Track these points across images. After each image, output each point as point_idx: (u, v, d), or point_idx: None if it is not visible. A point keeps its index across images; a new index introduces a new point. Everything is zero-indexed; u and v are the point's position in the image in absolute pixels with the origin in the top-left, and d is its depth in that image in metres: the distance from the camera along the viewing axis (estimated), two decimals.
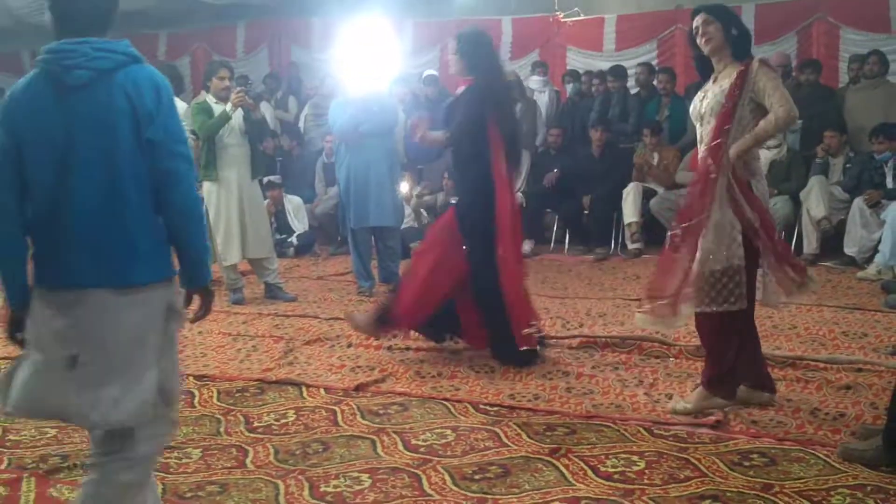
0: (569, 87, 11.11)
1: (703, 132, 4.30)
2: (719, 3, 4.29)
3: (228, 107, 6.99)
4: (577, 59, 12.19)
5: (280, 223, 9.96)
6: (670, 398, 4.49)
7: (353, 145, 7.49)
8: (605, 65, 11.23)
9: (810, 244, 8.62)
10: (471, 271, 5.27)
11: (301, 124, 11.95)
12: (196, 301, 2.82)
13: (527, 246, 9.71)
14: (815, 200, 8.52)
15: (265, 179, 9.44)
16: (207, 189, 7.11)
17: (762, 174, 4.32)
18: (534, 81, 11.46)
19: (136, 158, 2.57)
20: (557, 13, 12.15)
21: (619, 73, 10.58)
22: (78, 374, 2.54)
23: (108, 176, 2.56)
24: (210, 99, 7.19)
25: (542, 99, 11.31)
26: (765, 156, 9.13)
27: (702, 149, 4.32)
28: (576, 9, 12.05)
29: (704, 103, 4.27)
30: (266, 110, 11.64)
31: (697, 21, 4.23)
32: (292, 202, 10.19)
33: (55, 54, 2.60)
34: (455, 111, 5.41)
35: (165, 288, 2.69)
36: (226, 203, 7.13)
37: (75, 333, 2.56)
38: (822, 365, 4.96)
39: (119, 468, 2.64)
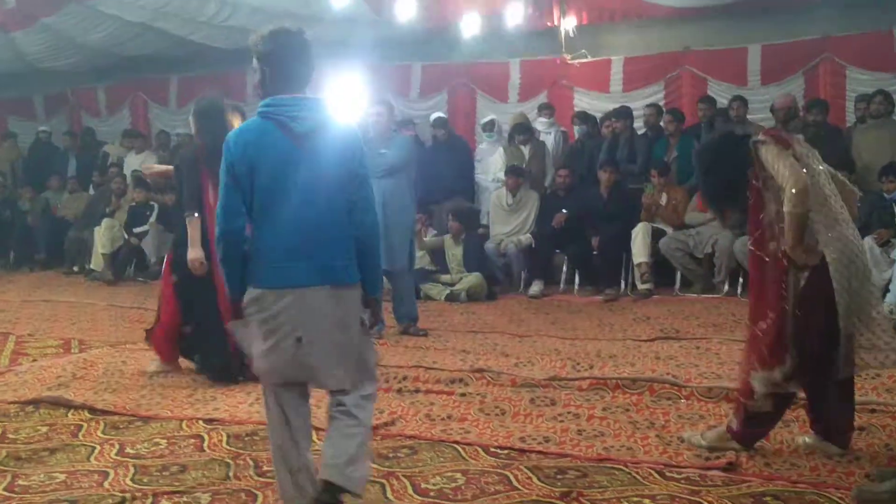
0: (577, 130, 11.15)
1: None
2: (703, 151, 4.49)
3: None
4: (585, 101, 12.24)
5: None
6: (682, 441, 4.46)
7: None
8: (612, 106, 11.28)
9: None
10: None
11: None
12: (371, 308, 3.54)
13: (536, 287, 9.73)
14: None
15: None
16: None
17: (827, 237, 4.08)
18: (540, 123, 11.54)
19: (344, 188, 3.36)
20: (565, 55, 12.23)
21: (624, 113, 10.63)
22: (303, 350, 3.33)
23: (328, 201, 3.34)
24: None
25: (549, 140, 11.37)
26: None
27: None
28: (583, 51, 12.13)
29: None
30: None
31: None
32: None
33: (279, 107, 3.36)
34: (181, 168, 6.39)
35: (359, 289, 3.45)
36: None
37: (300, 321, 3.32)
38: None
39: (343, 419, 3.47)
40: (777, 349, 4.09)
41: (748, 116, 10.18)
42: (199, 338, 6.13)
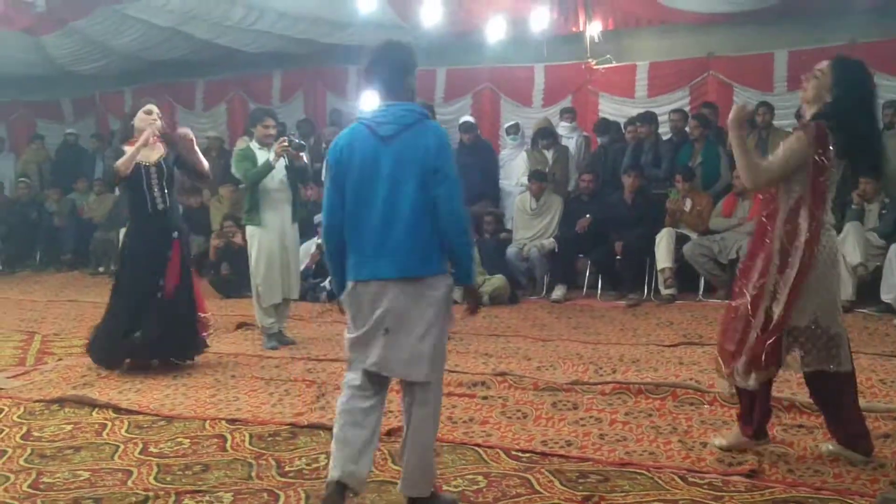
0: (600, 140, 11.17)
1: None
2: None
3: (271, 156, 7.16)
4: (610, 106, 12.23)
5: (319, 266, 10.00)
6: (705, 447, 4.44)
7: None
8: (636, 111, 11.26)
9: (846, 291, 8.50)
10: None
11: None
12: (466, 294, 3.86)
13: (559, 291, 9.71)
14: (852, 246, 8.44)
15: (316, 219, 9.59)
16: (250, 233, 7.36)
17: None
18: (562, 128, 11.54)
19: (426, 185, 3.56)
20: (590, 60, 12.22)
21: (649, 118, 10.61)
22: (389, 339, 3.59)
23: (409, 198, 3.57)
24: (254, 145, 7.39)
25: (571, 145, 11.37)
26: None
27: None
28: (608, 56, 12.11)
29: None
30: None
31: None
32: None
33: (372, 113, 3.73)
34: None
35: (442, 280, 3.65)
36: (268, 246, 7.29)
37: (386, 312, 3.58)
38: None
39: (416, 407, 3.68)
40: (775, 351, 4.11)
41: (774, 122, 10.13)
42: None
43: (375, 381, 3.73)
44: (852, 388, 4.26)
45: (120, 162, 6.30)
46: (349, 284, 3.70)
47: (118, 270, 6.82)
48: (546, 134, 11.06)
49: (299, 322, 8.40)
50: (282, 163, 7.24)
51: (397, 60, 3.76)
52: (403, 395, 3.77)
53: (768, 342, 4.10)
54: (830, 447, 4.29)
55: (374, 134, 3.66)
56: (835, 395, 4.20)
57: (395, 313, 3.60)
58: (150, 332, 6.38)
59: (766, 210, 4.25)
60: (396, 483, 4.00)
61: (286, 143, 7.20)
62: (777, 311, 4.09)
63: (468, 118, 11.70)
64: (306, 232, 9.55)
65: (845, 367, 4.14)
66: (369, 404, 3.71)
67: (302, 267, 8.85)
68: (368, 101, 10.90)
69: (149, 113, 6.54)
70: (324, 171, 11.66)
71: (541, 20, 11.42)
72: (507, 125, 11.94)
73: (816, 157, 4.05)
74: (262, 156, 7.25)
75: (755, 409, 4.38)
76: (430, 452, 3.73)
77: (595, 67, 12.26)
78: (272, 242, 7.29)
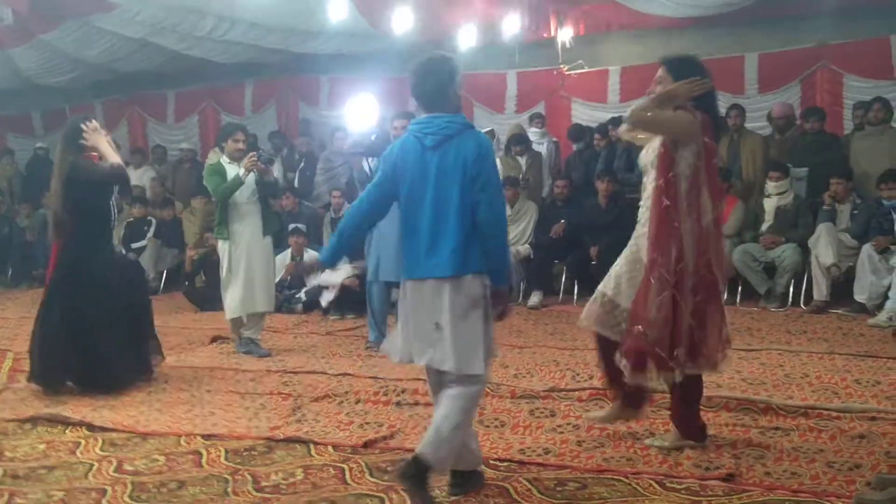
0: (575, 146, 11.21)
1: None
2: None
3: (241, 171, 7.18)
4: (583, 111, 12.27)
5: (294, 277, 9.96)
6: (681, 451, 4.44)
7: None
8: (610, 116, 11.31)
9: (820, 291, 8.58)
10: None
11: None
12: (497, 298, 3.91)
13: (535, 297, 9.71)
14: (824, 247, 8.50)
15: (291, 226, 9.57)
16: (220, 246, 7.41)
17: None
18: (532, 133, 11.56)
19: (467, 191, 3.81)
20: (562, 66, 12.26)
21: (620, 123, 10.64)
22: (440, 335, 3.82)
23: (452, 203, 3.83)
24: (224, 160, 7.43)
25: (542, 150, 11.39)
26: (772, 203, 9.16)
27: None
28: (580, 61, 12.16)
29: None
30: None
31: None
32: (311, 256, 10.20)
33: (417, 125, 4.00)
34: None
35: (480, 279, 3.86)
36: (236, 259, 7.33)
37: (437, 308, 3.83)
38: (835, 414, 4.93)
39: (455, 399, 3.88)
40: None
41: (745, 125, 10.19)
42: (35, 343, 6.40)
43: (435, 374, 4.02)
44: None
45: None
46: (404, 283, 3.99)
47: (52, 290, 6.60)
48: (519, 140, 11.07)
49: (275, 334, 8.35)
50: (252, 177, 7.28)
51: (441, 74, 3.97)
52: (442, 385, 3.97)
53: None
54: (665, 441, 4.57)
55: (420, 144, 3.92)
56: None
57: (445, 310, 3.83)
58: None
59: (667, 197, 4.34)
60: (375, 496, 3.99)
61: (255, 158, 7.24)
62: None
63: None
64: (280, 243, 9.49)
65: None
66: (435, 393, 4.05)
67: (277, 279, 8.80)
68: (346, 110, 10.96)
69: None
70: (317, 177, 11.73)
71: (512, 26, 11.44)
72: (482, 132, 11.93)
73: (707, 140, 4.32)
74: (232, 170, 7.26)
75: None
76: (456, 435, 3.87)
77: (567, 73, 12.30)
78: (240, 256, 7.32)
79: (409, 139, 3.99)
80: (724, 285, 4.75)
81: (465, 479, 4.05)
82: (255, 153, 7.32)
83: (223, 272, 7.42)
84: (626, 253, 4.62)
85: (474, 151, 3.86)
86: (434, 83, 3.96)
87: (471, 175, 3.83)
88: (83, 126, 6.27)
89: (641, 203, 4.55)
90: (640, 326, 4.28)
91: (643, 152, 4.57)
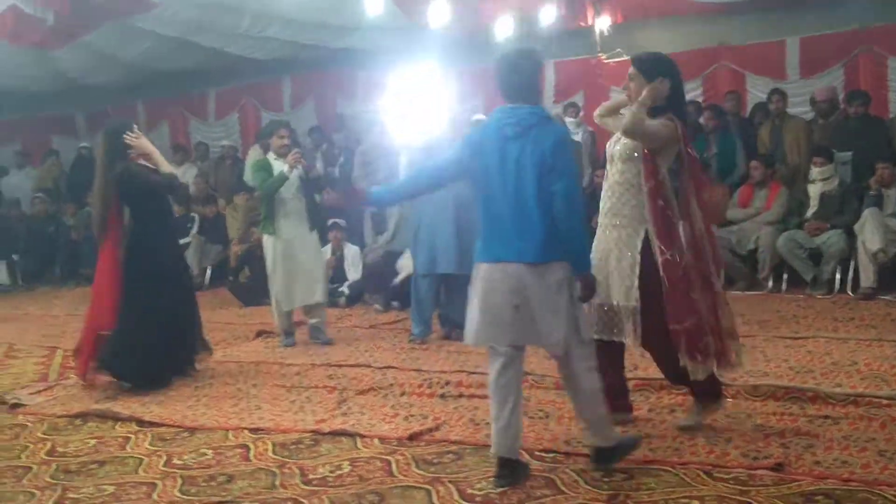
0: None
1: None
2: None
3: (286, 167, 7.29)
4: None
5: (336, 270, 10.01)
6: (729, 441, 4.41)
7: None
8: None
9: (867, 278, 8.46)
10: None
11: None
12: (581, 283, 4.02)
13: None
14: (871, 233, 8.38)
15: (329, 221, 9.68)
16: (266, 241, 7.56)
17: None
18: (568, 123, 11.46)
19: (543, 180, 3.92)
20: (600, 55, 12.18)
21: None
22: (520, 316, 3.95)
23: (528, 192, 3.95)
24: (270, 156, 7.56)
25: (577, 140, 11.32)
26: (816, 189, 9.05)
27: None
28: (618, 49, 12.05)
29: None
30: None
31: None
32: (350, 250, 10.26)
33: (496, 114, 4.13)
34: None
35: (559, 265, 3.98)
36: (282, 254, 7.45)
37: (516, 291, 3.95)
38: (885, 402, 4.86)
39: (570, 376, 4.12)
40: None
41: (787, 110, 10.07)
42: (122, 344, 6.27)
43: (509, 355, 4.06)
44: None
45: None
46: (479, 266, 4.10)
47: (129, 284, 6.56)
48: None
49: None
50: (296, 173, 7.39)
51: (524, 66, 4.10)
52: (559, 367, 4.20)
53: None
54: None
55: (500, 133, 4.04)
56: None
57: (524, 293, 3.96)
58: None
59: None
60: (421, 488, 4.00)
61: (299, 154, 7.40)
62: None
63: (481, 115, 11.67)
64: (322, 238, 9.53)
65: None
66: (505, 380, 4.05)
67: None
68: (381, 104, 10.95)
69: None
70: (354, 172, 11.75)
71: (549, 16, 11.39)
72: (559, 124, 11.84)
73: (689, 151, 4.54)
74: (278, 166, 7.39)
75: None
76: (601, 407, 4.13)
77: (605, 62, 12.21)
78: (286, 251, 7.44)
79: (490, 127, 4.13)
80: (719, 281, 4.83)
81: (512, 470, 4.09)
82: (298, 150, 7.44)
83: (269, 267, 7.54)
84: (598, 248, 4.61)
85: (552, 143, 3.97)
86: (519, 75, 4.08)
87: (548, 165, 3.93)
88: (128, 135, 6.35)
89: (603, 192, 4.69)
90: (686, 323, 4.35)
91: (610, 141, 4.71)
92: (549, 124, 4.08)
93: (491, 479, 4.06)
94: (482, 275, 4.08)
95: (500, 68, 4.13)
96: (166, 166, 6.49)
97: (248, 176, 12.88)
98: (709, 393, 4.65)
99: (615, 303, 4.52)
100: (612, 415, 4.38)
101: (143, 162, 6.41)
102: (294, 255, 7.45)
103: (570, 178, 4.02)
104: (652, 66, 4.58)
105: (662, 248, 4.39)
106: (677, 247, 4.42)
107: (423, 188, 4.68)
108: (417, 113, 8.07)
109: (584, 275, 4.05)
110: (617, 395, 4.66)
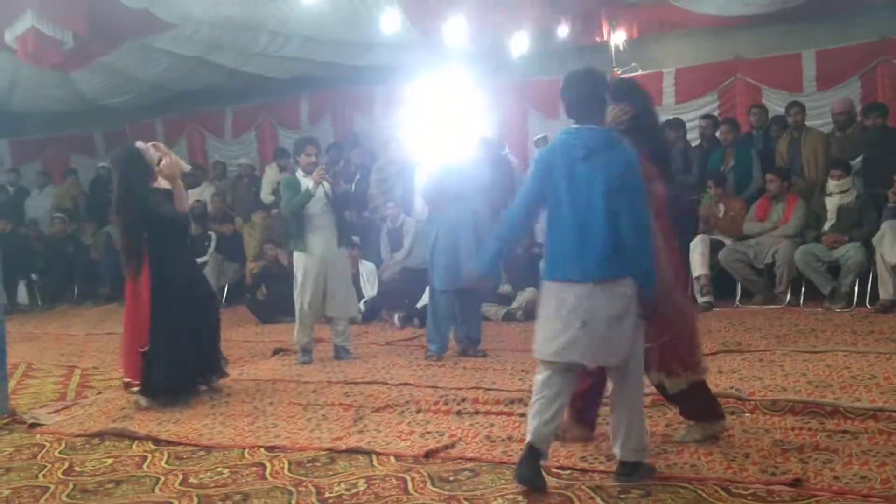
0: None
1: None
2: None
3: (310, 184, 7.42)
4: None
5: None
6: (747, 457, 4.38)
7: (440, 207, 7.58)
8: (665, 118, 11.19)
9: (886, 290, 8.41)
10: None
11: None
12: (642, 300, 4.11)
13: None
14: (889, 245, 8.33)
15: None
16: (296, 258, 7.68)
17: None
18: None
19: (611, 200, 4.03)
20: (615, 69, 12.18)
21: (675, 125, 10.54)
22: (587, 332, 4.05)
23: (596, 211, 4.05)
24: (299, 174, 7.69)
25: None
26: (833, 202, 9.00)
27: None
28: (633, 64, 12.06)
29: None
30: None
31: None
32: (366, 267, 10.30)
33: (565, 135, 4.23)
34: None
35: (627, 281, 4.07)
36: (312, 270, 7.58)
37: (585, 309, 4.05)
38: None
39: (622, 388, 4.24)
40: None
41: (806, 123, 10.04)
42: (154, 357, 6.36)
43: (565, 371, 4.18)
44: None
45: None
46: (548, 284, 4.23)
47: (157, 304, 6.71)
48: None
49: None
50: (322, 189, 7.51)
51: (587, 87, 4.24)
52: (611, 378, 4.34)
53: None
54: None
55: (569, 154, 4.15)
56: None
57: (591, 309, 4.05)
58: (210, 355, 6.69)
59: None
60: None
61: (323, 171, 7.53)
62: None
63: (485, 135, 11.70)
64: None
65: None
66: (555, 391, 4.18)
67: None
68: (397, 120, 10.99)
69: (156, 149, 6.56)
70: (371, 189, 11.78)
71: (564, 32, 11.40)
72: (535, 138, 11.89)
73: (657, 188, 4.52)
74: (306, 184, 7.53)
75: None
76: (639, 425, 4.23)
77: (621, 77, 12.20)
78: (315, 266, 7.56)
79: (558, 147, 4.25)
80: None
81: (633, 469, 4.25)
82: (322, 167, 7.55)
83: (299, 282, 7.64)
84: None
85: (621, 166, 4.09)
86: (586, 96, 4.22)
87: (615, 186, 4.04)
88: (157, 147, 6.46)
89: None
90: (659, 341, 4.45)
91: None
92: (618, 147, 4.16)
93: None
94: (551, 293, 4.19)
95: (566, 89, 4.26)
96: (183, 204, 6.52)
97: (265, 193, 12.99)
98: (695, 409, 4.74)
99: None
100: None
101: (162, 183, 6.43)
102: (324, 272, 7.58)
103: (638, 198, 4.10)
104: (615, 91, 4.62)
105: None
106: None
107: (526, 228, 4.75)
108: (433, 129, 8.13)
109: (646, 291, 4.14)
110: (587, 409, 4.82)
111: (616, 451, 4.23)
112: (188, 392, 6.44)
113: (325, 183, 7.54)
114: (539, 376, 4.24)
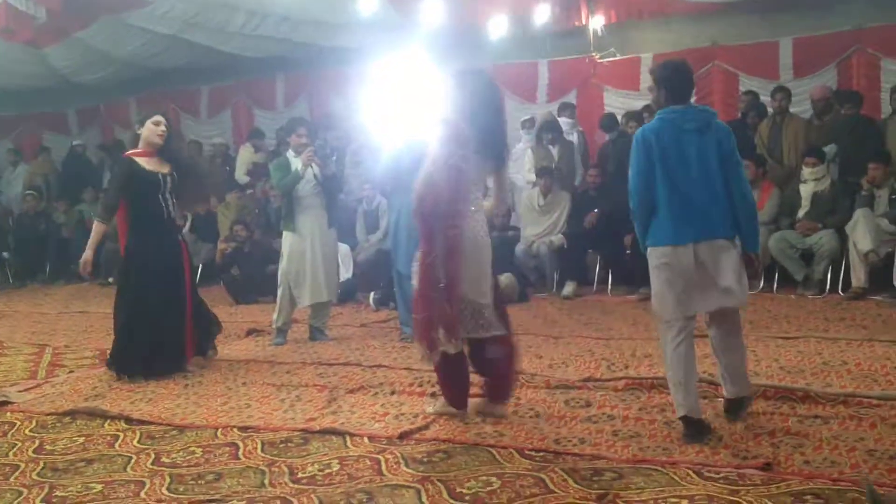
0: (608, 136, 11.14)
1: None
2: None
3: (299, 165, 7.48)
4: (615, 100, 12.18)
5: None
6: (719, 440, 4.41)
7: (398, 190, 7.54)
8: (643, 104, 11.21)
9: (858, 278, 8.48)
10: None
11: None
12: (751, 263, 4.66)
13: (569, 288, 9.68)
14: (862, 233, 8.39)
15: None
16: (284, 237, 7.71)
17: None
18: (563, 123, 11.45)
19: (721, 169, 4.55)
20: (593, 54, 12.18)
21: (651, 110, 10.54)
22: (707, 283, 4.53)
23: (708, 179, 4.53)
24: (290, 154, 7.74)
25: (572, 140, 11.31)
26: (808, 189, 9.05)
27: None
28: (611, 49, 12.07)
29: None
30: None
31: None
32: (341, 250, 10.24)
33: (672, 113, 4.62)
34: None
35: (735, 243, 4.60)
36: (298, 250, 7.61)
37: (705, 263, 4.51)
38: (875, 402, 4.85)
39: (728, 333, 4.76)
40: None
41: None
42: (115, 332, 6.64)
43: (683, 323, 4.58)
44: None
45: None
46: (665, 249, 4.56)
47: (125, 281, 6.77)
48: (551, 128, 11.00)
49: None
50: (311, 171, 7.56)
51: (688, 74, 4.77)
52: (714, 327, 4.77)
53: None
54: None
55: (678, 128, 4.57)
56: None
57: (712, 264, 4.51)
58: (181, 335, 6.68)
59: None
60: (410, 487, 3.99)
61: (311, 153, 7.56)
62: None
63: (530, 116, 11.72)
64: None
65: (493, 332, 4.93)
66: (684, 347, 4.58)
67: None
68: (373, 103, 10.91)
69: (157, 124, 6.68)
70: (346, 170, 11.73)
71: (543, 15, 11.38)
72: (522, 119, 11.77)
73: None
74: (297, 164, 7.58)
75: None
76: (744, 364, 4.81)
77: (599, 61, 12.22)
78: (303, 246, 7.59)
79: (664, 125, 4.61)
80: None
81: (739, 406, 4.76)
82: (311, 148, 7.61)
83: (283, 263, 7.67)
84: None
85: (726, 136, 4.62)
86: (682, 77, 4.73)
87: (725, 154, 4.56)
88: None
89: None
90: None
91: None
92: (717, 122, 4.69)
93: (682, 437, 4.46)
94: (669, 256, 4.55)
95: (670, 76, 4.71)
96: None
97: (240, 174, 12.91)
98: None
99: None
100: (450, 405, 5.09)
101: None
102: (311, 252, 7.59)
103: (741, 165, 4.68)
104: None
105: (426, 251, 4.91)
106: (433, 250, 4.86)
107: (647, 195, 4.70)
108: (404, 111, 8.07)
109: (753, 253, 4.67)
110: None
111: (729, 389, 4.75)
112: (145, 374, 6.47)
113: (313, 165, 7.56)
114: (665, 343, 4.63)
